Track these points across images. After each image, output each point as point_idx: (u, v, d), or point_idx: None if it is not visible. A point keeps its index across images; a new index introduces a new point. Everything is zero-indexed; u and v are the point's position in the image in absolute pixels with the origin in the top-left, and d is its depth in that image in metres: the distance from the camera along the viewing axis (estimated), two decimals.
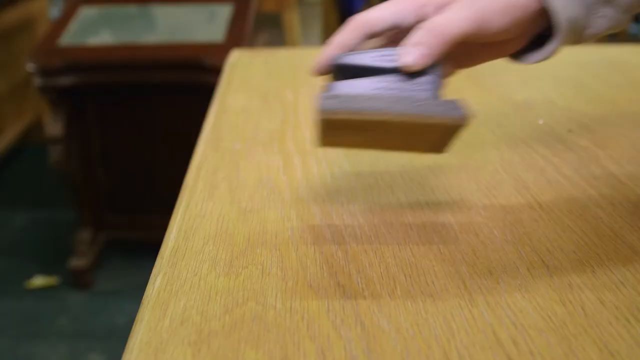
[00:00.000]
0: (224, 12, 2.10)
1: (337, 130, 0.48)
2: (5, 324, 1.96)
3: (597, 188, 0.60)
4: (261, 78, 0.94)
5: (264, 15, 2.73)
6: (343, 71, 0.49)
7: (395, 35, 0.52)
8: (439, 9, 0.48)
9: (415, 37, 0.46)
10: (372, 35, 0.51)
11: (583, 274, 0.46)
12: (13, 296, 2.08)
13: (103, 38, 2.01)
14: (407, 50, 0.46)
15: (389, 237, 0.51)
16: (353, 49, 0.50)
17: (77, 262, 2.07)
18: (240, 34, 1.95)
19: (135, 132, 2.02)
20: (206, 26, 2.04)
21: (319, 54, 0.50)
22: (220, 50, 1.76)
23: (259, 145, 0.70)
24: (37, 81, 1.85)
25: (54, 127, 1.90)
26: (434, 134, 0.48)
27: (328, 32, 3.47)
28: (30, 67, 1.84)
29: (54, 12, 3.38)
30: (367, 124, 0.46)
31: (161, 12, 2.16)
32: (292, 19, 3.36)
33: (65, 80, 1.86)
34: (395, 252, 0.49)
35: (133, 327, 0.42)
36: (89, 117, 2.00)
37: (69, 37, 1.98)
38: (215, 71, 1.64)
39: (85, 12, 2.15)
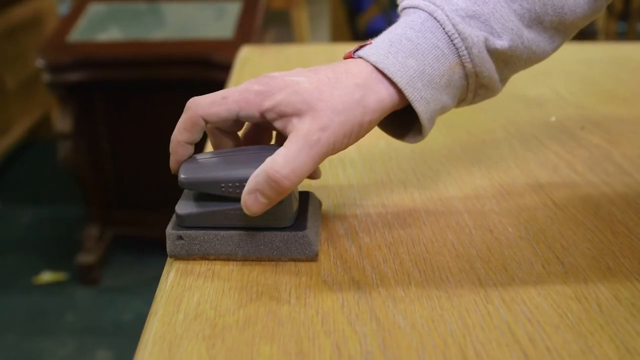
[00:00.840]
0: (233, 9, 2.10)
1: None
2: (13, 319, 1.96)
3: (611, 185, 0.59)
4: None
5: (273, 12, 2.73)
6: (194, 186, 0.48)
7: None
8: (283, 118, 0.47)
9: (256, 183, 0.45)
10: (217, 128, 0.51)
11: (598, 271, 0.46)
12: (21, 292, 2.09)
13: (112, 34, 2.02)
14: (248, 199, 0.45)
15: (403, 233, 0.51)
16: (193, 142, 0.49)
17: (85, 258, 2.08)
18: (249, 30, 1.94)
19: (143, 129, 2.02)
20: (215, 23, 2.04)
21: (171, 154, 0.50)
22: (229, 47, 1.76)
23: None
24: (46, 77, 1.85)
25: (62, 123, 1.90)
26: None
27: (336, 28, 3.47)
28: (39, 63, 1.84)
29: (63, 8, 3.38)
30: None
31: (170, 9, 2.16)
32: (301, 16, 3.35)
33: (74, 77, 1.86)
34: (409, 248, 0.49)
35: (147, 320, 0.42)
36: (97, 113, 2.00)
37: (77, 34, 1.98)
38: (224, 68, 1.64)
39: (94, 9, 2.15)
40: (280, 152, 0.45)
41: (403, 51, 0.48)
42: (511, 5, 0.49)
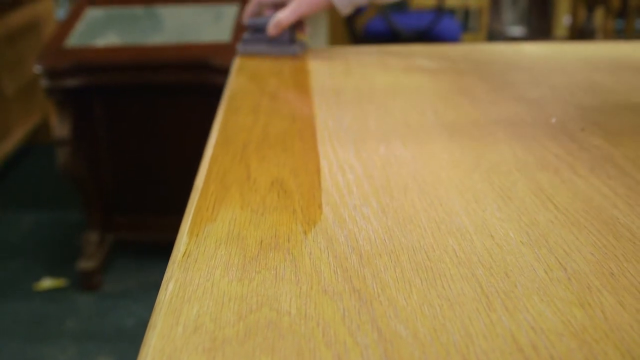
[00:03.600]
0: (231, 12, 2.09)
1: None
2: (14, 326, 1.96)
3: (613, 188, 0.59)
4: (269, 78, 0.93)
5: None
6: (253, 27, 1.06)
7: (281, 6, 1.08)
8: None
9: (271, 21, 1.03)
10: (264, 5, 1.09)
11: (602, 276, 0.46)
12: (21, 298, 2.08)
13: (110, 39, 2.01)
14: (270, 26, 1.04)
15: (404, 240, 0.51)
16: (258, 12, 1.10)
17: (85, 264, 2.07)
18: None
19: (142, 133, 2.01)
20: (213, 26, 2.04)
21: (244, 11, 1.09)
22: (227, 50, 1.76)
23: (270, 147, 0.69)
24: (44, 83, 1.85)
25: (61, 128, 1.90)
26: None
27: (334, 30, 3.47)
28: (37, 68, 1.84)
29: (60, 13, 3.38)
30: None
31: (167, 13, 2.16)
32: None
33: (72, 82, 1.86)
34: (410, 256, 0.49)
35: (146, 334, 0.42)
36: (96, 118, 2.00)
37: (75, 39, 1.98)
38: (222, 71, 1.64)
39: (92, 13, 2.14)
40: (284, 10, 1.04)
41: None
42: None
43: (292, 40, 1.06)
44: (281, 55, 1.05)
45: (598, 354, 0.38)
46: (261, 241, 0.51)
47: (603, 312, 0.42)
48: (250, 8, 1.08)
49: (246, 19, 1.07)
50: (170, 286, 0.46)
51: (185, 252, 0.50)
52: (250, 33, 1.06)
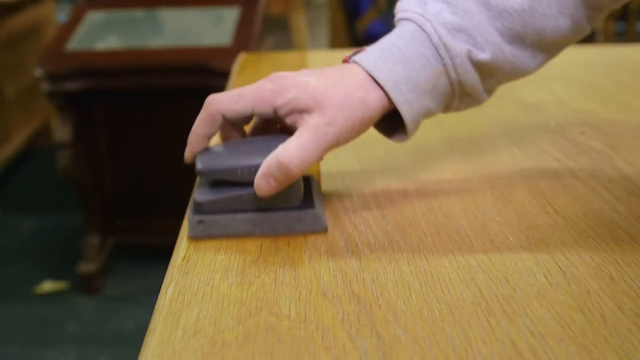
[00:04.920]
0: (231, 16, 2.09)
1: None
2: (15, 329, 1.96)
3: (612, 191, 0.59)
4: None
5: (271, 18, 2.73)
6: (211, 173, 0.53)
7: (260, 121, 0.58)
8: (294, 113, 0.52)
9: (268, 167, 0.50)
10: (229, 122, 0.54)
11: (601, 281, 0.46)
12: (22, 302, 2.08)
13: (110, 43, 2.01)
14: (260, 182, 0.50)
15: (403, 244, 0.51)
16: (211, 136, 0.54)
17: (86, 267, 2.07)
18: (248, 37, 1.94)
19: (143, 137, 2.02)
20: (213, 30, 2.04)
21: (188, 145, 0.55)
22: (228, 54, 1.76)
23: None
24: (45, 86, 1.85)
25: (61, 132, 1.90)
26: None
27: (335, 33, 3.47)
28: (37, 72, 1.84)
29: (61, 17, 3.39)
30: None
31: (168, 17, 2.16)
32: (299, 22, 3.35)
33: (73, 85, 1.86)
34: (409, 260, 0.49)
35: (145, 338, 0.42)
36: (96, 122, 2.00)
37: (76, 42, 1.98)
38: (222, 75, 1.64)
39: (93, 17, 2.15)
40: (292, 141, 0.50)
41: (392, 58, 0.54)
42: (493, 22, 0.54)
43: (306, 200, 0.54)
44: (287, 234, 0.53)
45: (597, 358, 0.38)
46: (261, 245, 0.51)
47: (602, 316, 0.42)
48: (200, 132, 0.54)
49: (191, 158, 0.55)
50: (170, 290, 0.46)
51: (185, 256, 0.50)
52: (210, 190, 0.53)
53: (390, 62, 0.53)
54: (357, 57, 0.55)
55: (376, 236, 0.52)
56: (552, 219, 0.54)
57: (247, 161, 0.52)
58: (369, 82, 0.53)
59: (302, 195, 0.54)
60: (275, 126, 0.57)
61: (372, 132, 0.57)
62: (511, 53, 0.55)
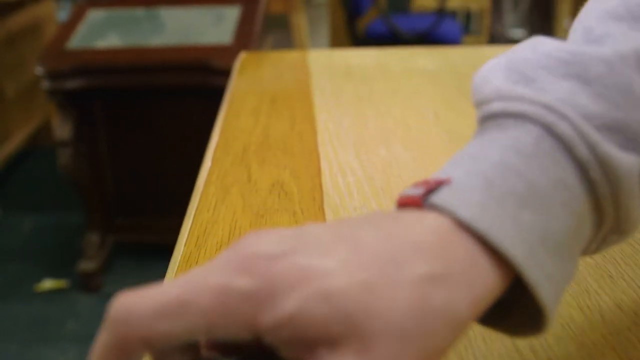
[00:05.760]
0: (232, 14, 2.10)
1: None
2: (15, 327, 1.96)
3: None
4: (270, 80, 0.93)
5: (272, 17, 2.73)
6: None
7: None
8: (298, 345, 0.25)
9: None
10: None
11: (600, 279, 0.46)
12: (22, 300, 2.08)
13: (111, 41, 2.02)
14: None
15: None
16: None
17: (86, 265, 2.08)
18: (248, 35, 1.95)
19: (143, 135, 2.02)
20: (214, 28, 2.04)
21: None
22: (228, 53, 1.76)
23: (270, 149, 0.69)
24: (45, 84, 1.85)
25: (62, 130, 1.90)
26: None
27: (335, 32, 3.47)
28: (38, 70, 1.84)
29: (62, 15, 3.39)
30: None
31: (169, 15, 2.16)
32: (300, 20, 3.36)
33: (73, 84, 1.86)
34: None
35: None
36: (97, 120, 2.00)
37: (77, 40, 1.98)
38: (223, 73, 1.64)
39: (93, 15, 2.15)
40: None
41: (511, 195, 0.28)
42: None
43: None
44: None
45: (596, 357, 0.38)
46: None
47: (601, 315, 0.42)
48: None
49: None
50: None
51: (185, 254, 0.50)
52: None
53: (511, 205, 0.28)
54: (440, 198, 0.28)
55: None
56: None
57: None
58: (465, 245, 0.27)
59: None
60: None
61: (372, 130, 0.57)
62: None
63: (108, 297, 2.08)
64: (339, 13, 3.44)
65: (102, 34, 2.05)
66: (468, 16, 4.76)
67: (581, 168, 0.29)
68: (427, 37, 3.05)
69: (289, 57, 1.08)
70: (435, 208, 0.28)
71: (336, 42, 3.46)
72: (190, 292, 0.25)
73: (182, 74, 1.86)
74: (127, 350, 0.25)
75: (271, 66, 1.01)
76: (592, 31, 0.33)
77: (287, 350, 0.25)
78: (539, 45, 0.33)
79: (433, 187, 0.29)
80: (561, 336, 0.40)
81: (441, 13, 3.10)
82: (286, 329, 0.24)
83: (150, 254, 2.17)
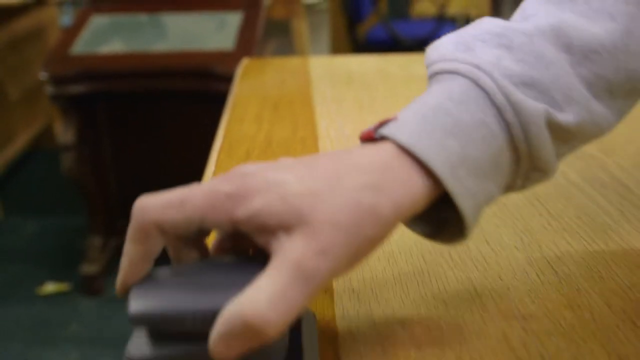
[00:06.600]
0: (234, 20, 2.12)
1: None
2: (17, 330, 1.97)
3: (605, 195, 0.61)
4: (272, 87, 0.95)
5: (273, 22, 2.75)
6: (149, 321, 0.34)
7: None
8: (263, 232, 0.34)
9: (227, 326, 0.31)
10: (175, 237, 0.37)
11: (591, 280, 0.47)
12: (24, 302, 2.10)
13: (114, 46, 2.04)
14: (218, 345, 0.32)
15: (401, 244, 0.53)
16: (150, 257, 0.37)
17: (88, 268, 2.09)
18: (250, 41, 1.96)
19: (146, 140, 2.04)
20: (216, 34, 2.06)
21: (120, 271, 0.37)
22: (231, 58, 1.78)
23: (273, 155, 0.71)
24: (49, 89, 1.87)
25: (65, 134, 1.92)
26: None
27: (336, 38, 3.49)
28: (42, 75, 1.86)
29: (65, 20, 3.41)
30: None
31: (171, 21, 2.18)
32: (301, 26, 3.38)
33: (77, 88, 1.88)
34: (407, 259, 0.51)
35: None
36: (100, 124, 2.02)
37: (80, 46, 2.00)
38: (225, 79, 1.66)
39: (97, 21, 2.17)
40: (262, 285, 0.32)
41: (440, 128, 0.37)
42: (577, 69, 0.40)
43: (292, 354, 0.37)
44: None
45: (585, 353, 0.40)
46: None
47: (591, 313, 0.44)
48: (131, 253, 0.37)
49: (123, 290, 0.37)
50: None
51: None
52: (149, 342, 0.35)
53: (440, 134, 0.37)
54: (387, 129, 0.38)
55: None
56: (545, 221, 0.56)
57: (203, 302, 0.33)
58: (399, 167, 0.36)
59: (286, 344, 0.36)
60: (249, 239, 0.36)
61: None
62: (598, 110, 0.41)
63: (110, 300, 2.09)
64: (339, 19, 3.46)
65: (106, 39, 2.07)
66: (468, 22, 4.76)
67: (498, 111, 0.38)
68: (428, 43, 3.06)
69: (291, 63, 1.09)
70: (383, 137, 0.38)
71: (337, 47, 3.48)
72: (188, 193, 0.35)
73: (184, 79, 1.87)
74: (146, 231, 0.36)
75: (273, 72, 1.03)
76: (525, 11, 0.44)
77: (257, 236, 0.35)
78: (484, 24, 0.43)
79: (384, 122, 0.39)
80: (552, 333, 0.42)
81: (441, 19, 3.12)
82: (255, 220, 0.34)
83: None
